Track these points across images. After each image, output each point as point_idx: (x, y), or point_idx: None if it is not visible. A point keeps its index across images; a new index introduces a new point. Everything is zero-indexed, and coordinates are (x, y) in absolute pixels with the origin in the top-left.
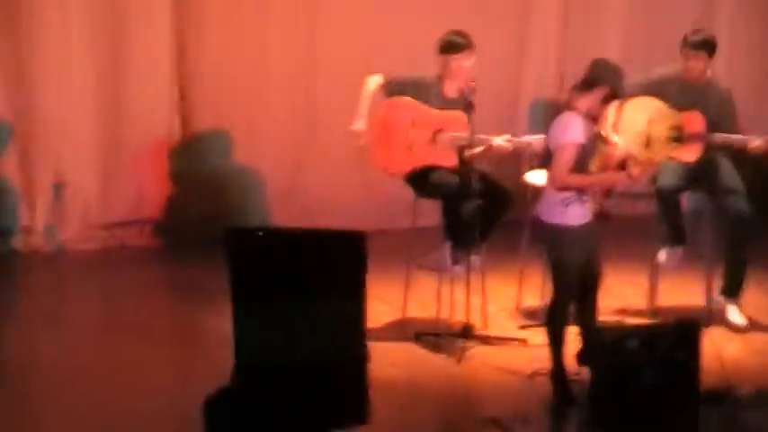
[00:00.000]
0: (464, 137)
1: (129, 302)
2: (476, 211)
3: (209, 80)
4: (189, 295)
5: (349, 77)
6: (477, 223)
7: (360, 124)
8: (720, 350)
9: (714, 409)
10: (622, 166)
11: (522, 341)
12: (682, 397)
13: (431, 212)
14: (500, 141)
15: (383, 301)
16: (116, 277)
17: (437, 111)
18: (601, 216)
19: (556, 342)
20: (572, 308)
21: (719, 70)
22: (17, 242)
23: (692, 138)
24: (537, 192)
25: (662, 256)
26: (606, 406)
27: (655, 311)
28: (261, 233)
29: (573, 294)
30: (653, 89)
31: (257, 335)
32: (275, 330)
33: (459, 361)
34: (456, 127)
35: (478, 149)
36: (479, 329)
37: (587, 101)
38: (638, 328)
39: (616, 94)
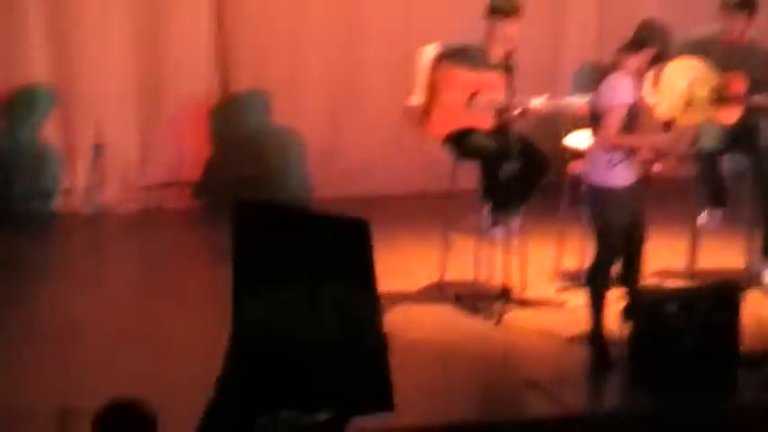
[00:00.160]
0: (501, 99)
1: (168, 264)
2: (514, 173)
3: (248, 40)
4: (227, 257)
5: (389, 38)
6: (516, 186)
7: (417, 98)
8: (760, 313)
9: (753, 372)
10: (665, 127)
11: (561, 304)
12: (721, 359)
13: (469, 175)
14: (537, 103)
15: (421, 264)
16: (155, 239)
17: (475, 73)
18: (644, 178)
19: (596, 304)
20: (613, 270)
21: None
22: (57, 204)
23: (733, 99)
24: (576, 154)
25: (702, 218)
26: (646, 368)
27: (694, 274)
28: (270, 209)
29: (616, 256)
30: (694, 50)
31: (259, 316)
32: (279, 312)
33: (497, 324)
34: (493, 89)
35: (516, 111)
36: (518, 292)
37: (635, 61)
38: (677, 290)
39: (664, 54)
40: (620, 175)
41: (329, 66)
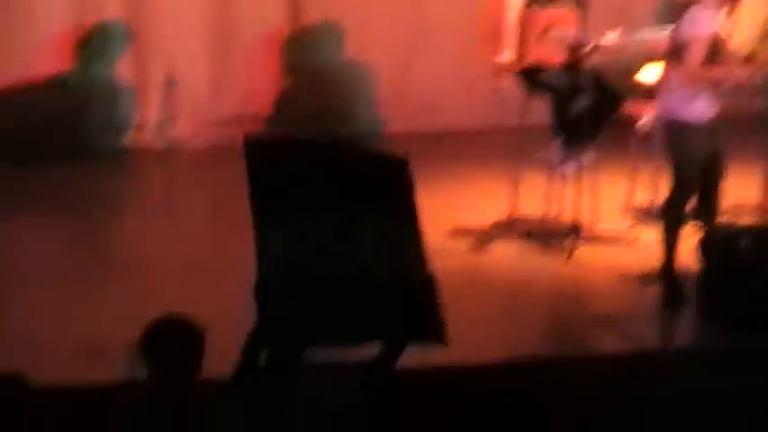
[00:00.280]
0: (573, 35)
1: (239, 197)
2: (586, 108)
3: None
4: None
5: None
6: (587, 121)
7: (508, 54)
8: None
9: None
10: (746, 60)
11: (632, 240)
12: None
13: (541, 110)
14: (610, 39)
15: (492, 200)
16: (226, 173)
17: (547, 9)
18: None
19: (669, 239)
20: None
21: None
22: (130, 139)
23: None
24: (647, 89)
25: None
26: (717, 304)
27: None
28: (282, 144)
29: (693, 191)
30: None
31: (287, 252)
32: (307, 247)
33: (567, 260)
34: (565, 25)
35: (588, 47)
36: (588, 228)
37: None
38: (751, 226)
39: None
40: (700, 109)
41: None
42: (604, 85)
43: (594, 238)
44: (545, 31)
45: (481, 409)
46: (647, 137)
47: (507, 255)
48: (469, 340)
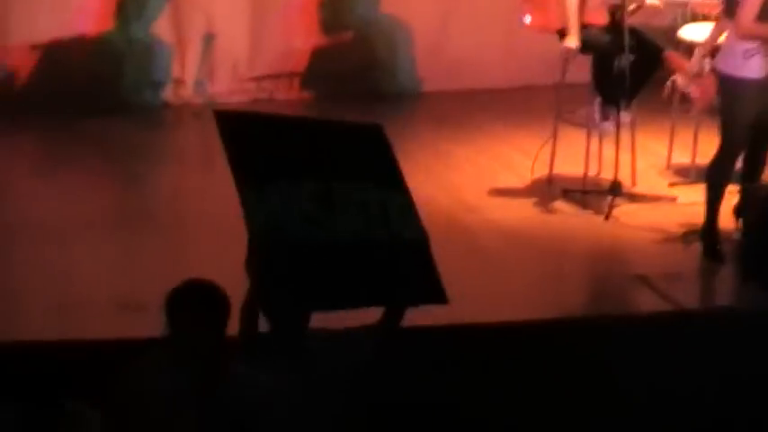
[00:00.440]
0: None
1: None
2: (626, 67)
3: None
4: None
5: None
6: (628, 79)
7: (573, 41)
8: None
9: None
10: None
11: (672, 199)
12: None
13: (581, 68)
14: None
15: (531, 158)
16: None
17: None
18: None
19: (713, 198)
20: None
21: None
22: (168, 95)
23: None
24: (690, 48)
25: None
26: (758, 264)
27: None
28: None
29: (741, 149)
30: None
31: (269, 220)
32: (294, 214)
33: (606, 218)
34: None
35: (631, 7)
36: (628, 187)
37: None
38: None
39: None
40: (754, 67)
41: None
42: (646, 44)
43: (633, 197)
44: None
45: (517, 369)
46: (681, 95)
47: (545, 214)
48: (506, 299)
